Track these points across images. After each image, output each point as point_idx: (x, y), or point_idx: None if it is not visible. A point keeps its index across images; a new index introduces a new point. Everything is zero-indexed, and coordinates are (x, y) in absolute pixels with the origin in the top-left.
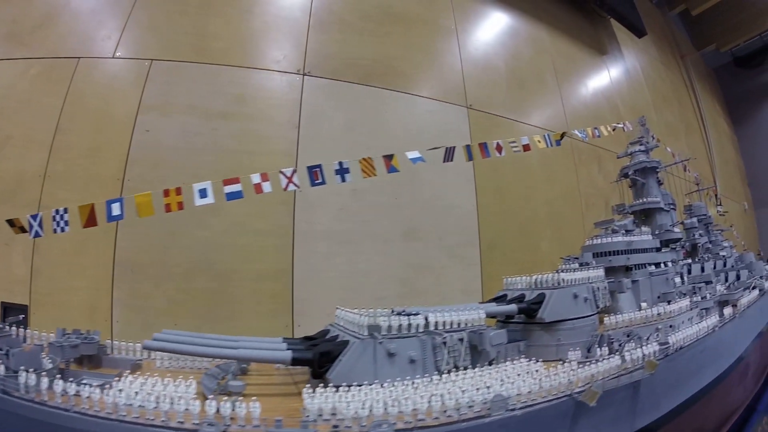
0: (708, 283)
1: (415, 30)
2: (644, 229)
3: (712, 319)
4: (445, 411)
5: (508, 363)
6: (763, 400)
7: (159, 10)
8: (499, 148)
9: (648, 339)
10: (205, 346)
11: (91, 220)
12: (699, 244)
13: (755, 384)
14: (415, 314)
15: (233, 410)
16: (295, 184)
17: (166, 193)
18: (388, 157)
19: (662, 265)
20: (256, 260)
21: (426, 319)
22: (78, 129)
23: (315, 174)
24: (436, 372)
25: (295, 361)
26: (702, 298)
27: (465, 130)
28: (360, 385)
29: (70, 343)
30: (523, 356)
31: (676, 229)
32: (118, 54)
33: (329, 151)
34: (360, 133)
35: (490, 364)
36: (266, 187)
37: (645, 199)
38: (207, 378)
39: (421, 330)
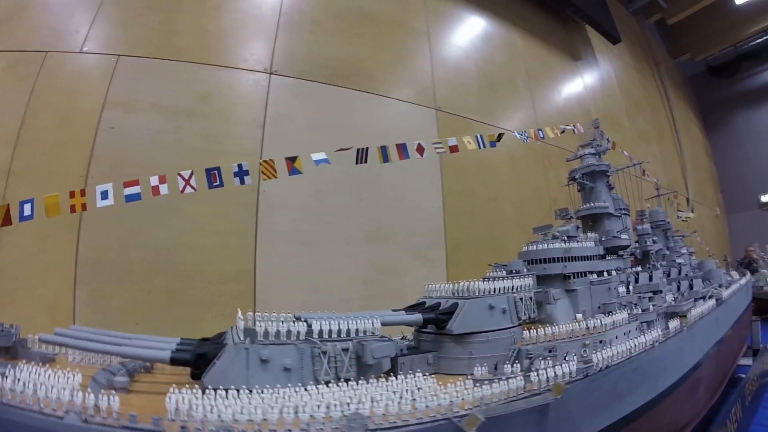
0: (657, 293)
1: (386, 32)
2: (591, 235)
3: (653, 334)
4: (297, 424)
5: (402, 376)
6: (722, 411)
7: (128, 5)
8: (420, 150)
9: (571, 356)
10: (94, 341)
11: (6, 220)
12: (651, 252)
13: (710, 397)
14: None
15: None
16: (192, 187)
17: (71, 194)
18: (291, 159)
19: (605, 273)
20: (217, 261)
21: (309, 326)
22: (43, 125)
23: (213, 176)
24: (313, 382)
25: (173, 361)
26: (643, 310)
27: (433, 132)
28: (229, 390)
29: None
30: (430, 369)
31: (624, 236)
32: (85, 48)
33: (293, 151)
34: (325, 134)
35: (390, 375)
36: (163, 189)
37: (592, 204)
38: (102, 373)
39: (301, 337)
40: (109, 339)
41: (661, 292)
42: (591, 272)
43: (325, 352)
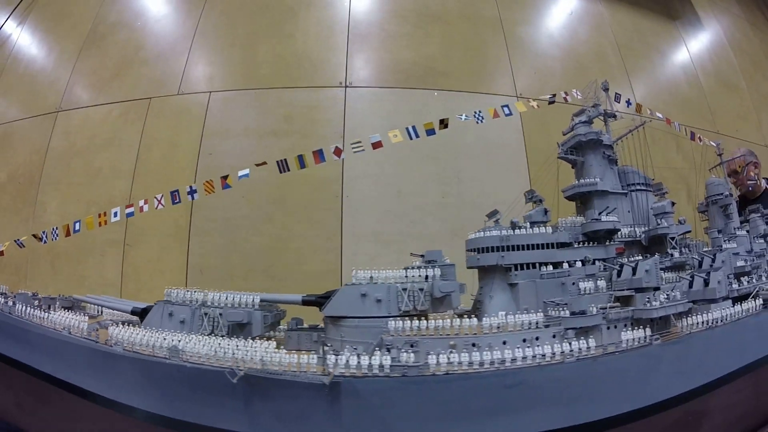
0: (643, 290)
1: (456, 27)
2: (578, 219)
3: (576, 345)
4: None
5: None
6: None
7: (213, 46)
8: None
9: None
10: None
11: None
12: (668, 236)
13: None
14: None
15: None
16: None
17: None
18: (224, 178)
19: (565, 265)
20: (306, 262)
21: (205, 296)
22: (153, 158)
23: (174, 196)
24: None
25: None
26: (574, 314)
27: (516, 122)
28: None
29: None
30: (314, 346)
31: (607, 218)
32: (182, 90)
33: (373, 157)
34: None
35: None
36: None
37: (581, 181)
38: None
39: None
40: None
41: (655, 289)
42: (546, 264)
43: (207, 314)
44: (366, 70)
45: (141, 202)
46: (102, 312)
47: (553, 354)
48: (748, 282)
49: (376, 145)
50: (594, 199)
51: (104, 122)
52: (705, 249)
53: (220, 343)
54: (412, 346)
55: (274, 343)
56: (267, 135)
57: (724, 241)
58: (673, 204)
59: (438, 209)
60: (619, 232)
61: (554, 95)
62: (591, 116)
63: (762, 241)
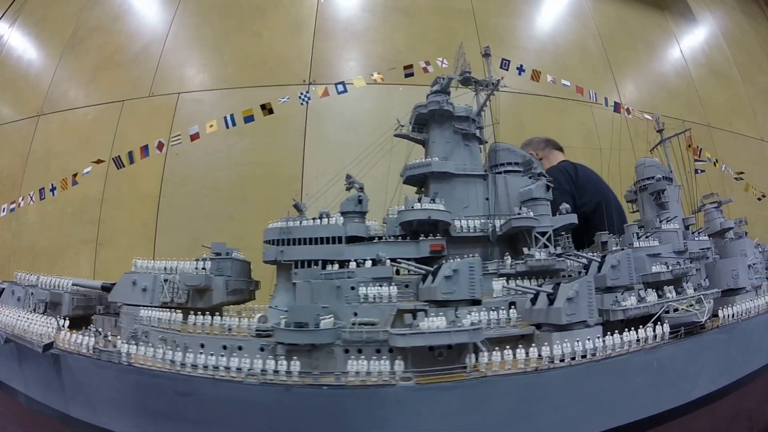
0: (443, 304)
1: (426, 20)
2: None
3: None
4: None
5: None
6: None
7: (183, 48)
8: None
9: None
10: None
11: None
12: (533, 231)
13: None
14: None
15: None
16: None
17: None
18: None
19: (353, 264)
20: None
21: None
22: (125, 159)
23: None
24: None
25: None
26: (299, 325)
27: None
28: None
29: None
30: None
31: (429, 205)
32: (152, 92)
33: (335, 156)
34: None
35: None
36: None
37: (414, 161)
38: None
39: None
40: None
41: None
42: (333, 262)
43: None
44: (329, 66)
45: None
46: None
47: (239, 369)
48: (660, 296)
49: (194, 137)
50: (430, 182)
51: (80, 125)
52: (594, 252)
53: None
54: (145, 335)
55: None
56: (231, 134)
57: (644, 237)
58: (548, 188)
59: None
60: (455, 225)
61: (411, 65)
62: (444, 86)
63: (706, 238)
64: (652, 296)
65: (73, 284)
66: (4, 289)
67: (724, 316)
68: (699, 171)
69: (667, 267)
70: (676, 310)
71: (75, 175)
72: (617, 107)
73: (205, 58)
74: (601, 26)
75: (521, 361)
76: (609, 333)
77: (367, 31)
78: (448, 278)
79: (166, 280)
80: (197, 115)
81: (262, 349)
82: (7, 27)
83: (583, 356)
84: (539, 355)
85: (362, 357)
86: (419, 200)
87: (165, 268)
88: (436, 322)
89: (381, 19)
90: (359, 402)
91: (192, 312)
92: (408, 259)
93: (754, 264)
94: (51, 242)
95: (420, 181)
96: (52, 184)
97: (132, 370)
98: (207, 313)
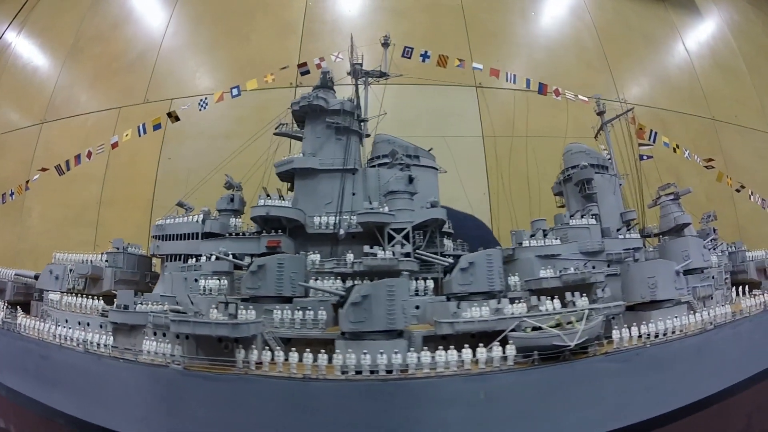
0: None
1: (414, 18)
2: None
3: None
4: None
5: None
6: None
7: (177, 55)
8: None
9: None
10: None
11: None
12: (386, 227)
13: None
14: None
15: None
16: None
17: None
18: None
19: (203, 258)
20: None
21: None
22: (121, 164)
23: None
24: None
25: None
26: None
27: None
28: None
29: None
30: None
31: (271, 202)
32: (147, 99)
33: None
34: None
35: None
36: None
37: (283, 158)
38: None
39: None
40: None
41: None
42: (195, 256)
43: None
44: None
45: None
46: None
47: (84, 341)
48: (517, 308)
49: (114, 145)
50: (295, 178)
51: (80, 131)
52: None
53: None
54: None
55: None
56: (219, 137)
57: (543, 235)
58: (411, 180)
59: None
60: (312, 222)
61: (305, 63)
62: (323, 81)
63: (637, 235)
64: (520, 308)
65: (15, 274)
66: None
67: (619, 339)
68: (645, 157)
69: (552, 271)
70: (538, 328)
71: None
72: (543, 89)
73: (197, 64)
74: (597, 19)
75: (308, 366)
76: (442, 348)
77: (354, 31)
78: (253, 273)
79: (71, 270)
80: (187, 120)
81: (101, 326)
82: (15, 35)
83: (372, 371)
84: (329, 363)
85: (167, 340)
86: (267, 196)
87: (83, 261)
88: (244, 314)
89: (368, 19)
90: (143, 376)
91: (88, 297)
92: (248, 254)
93: (707, 268)
94: (52, 243)
95: (291, 177)
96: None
97: (19, 337)
98: (97, 297)
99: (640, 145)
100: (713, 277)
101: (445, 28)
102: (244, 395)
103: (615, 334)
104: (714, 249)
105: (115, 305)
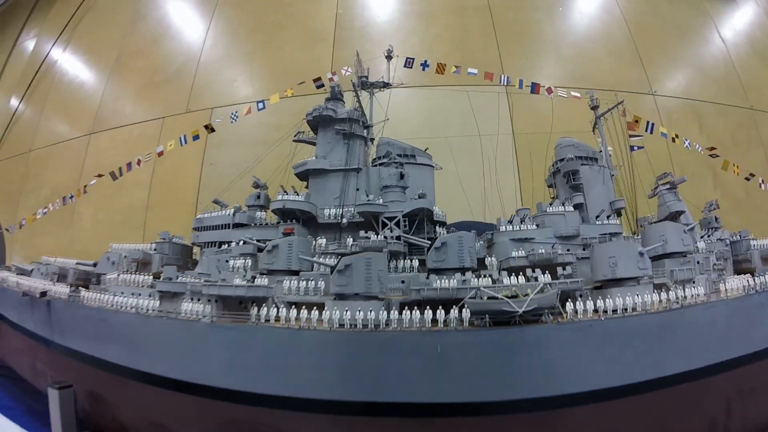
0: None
1: (441, 20)
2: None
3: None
4: None
5: None
6: None
7: (215, 67)
8: None
9: None
10: None
11: None
12: (380, 216)
13: None
14: None
15: None
16: None
17: None
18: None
19: (233, 244)
20: None
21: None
22: (166, 170)
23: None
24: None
25: None
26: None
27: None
28: None
29: None
30: None
31: (285, 197)
32: (189, 108)
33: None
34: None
35: None
36: None
37: (302, 161)
38: None
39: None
40: None
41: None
42: (227, 243)
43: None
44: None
45: None
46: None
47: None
48: (483, 282)
49: (160, 154)
50: (309, 177)
51: (127, 141)
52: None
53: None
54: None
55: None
56: (258, 144)
57: (521, 222)
58: (402, 176)
59: None
60: (323, 213)
61: (320, 78)
62: (334, 93)
63: (617, 222)
64: (485, 281)
65: (76, 263)
66: (33, 269)
67: (571, 312)
68: (635, 148)
69: (524, 253)
70: (493, 297)
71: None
72: (535, 88)
73: (235, 75)
74: (627, 11)
75: (313, 321)
76: (416, 309)
77: (384, 36)
78: (269, 252)
79: (125, 256)
80: (228, 128)
81: (149, 295)
82: (60, 52)
83: (351, 326)
84: (320, 319)
85: (200, 302)
86: (285, 193)
87: (135, 249)
88: (260, 282)
89: (397, 24)
90: (181, 329)
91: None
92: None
93: (688, 252)
94: (101, 246)
95: (307, 176)
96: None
97: (81, 307)
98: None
99: (631, 136)
100: (698, 262)
101: (473, 28)
102: (254, 341)
103: (569, 306)
104: (709, 236)
105: (162, 278)
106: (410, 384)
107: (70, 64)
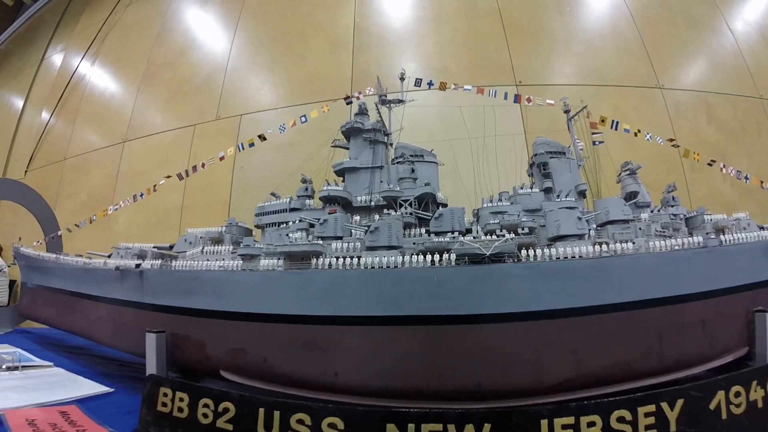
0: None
1: (453, 24)
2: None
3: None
4: None
5: None
6: None
7: (241, 76)
8: None
9: None
10: None
11: None
12: (399, 199)
13: None
14: None
15: None
16: None
17: None
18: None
19: (291, 223)
20: None
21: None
22: (198, 174)
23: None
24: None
25: None
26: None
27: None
28: None
29: None
30: None
31: (329, 188)
32: (218, 115)
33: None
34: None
35: None
36: None
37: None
38: None
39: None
40: None
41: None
42: (284, 223)
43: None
44: (365, 79)
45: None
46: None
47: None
48: (467, 238)
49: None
50: (345, 173)
51: (159, 147)
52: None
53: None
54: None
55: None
56: (284, 147)
57: (499, 200)
58: (413, 170)
59: None
60: (356, 199)
61: (348, 96)
62: (362, 109)
63: (572, 199)
64: (468, 238)
65: (153, 247)
66: (111, 254)
67: (527, 256)
68: (597, 143)
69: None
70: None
71: (154, 187)
72: (517, 99)
73: (260, 83)
74: (633, 4)
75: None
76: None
77: (399, 41)
78: (321, 224)
79: (201, 237)
80: (256, 133)
81: (232, 259)
82: (89, 66)
83: (379, 267)
84: (357, 265)
85: (273, 258)
86: (327, 184)
87: (208, 231)
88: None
89: (412, 29)
90: (260, 277)
91: None
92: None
93: (629, 221)
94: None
95: (342, 173)
96: (137, 196)
97: (174, 272)
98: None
99: (593, 133)
100: (640, 229)
101: (483, 31)
102: (314, 280)
103: (523, 253)
104: (658, 212)
105: (242, 245)
106: (417, 303)
107: (99, 77)
